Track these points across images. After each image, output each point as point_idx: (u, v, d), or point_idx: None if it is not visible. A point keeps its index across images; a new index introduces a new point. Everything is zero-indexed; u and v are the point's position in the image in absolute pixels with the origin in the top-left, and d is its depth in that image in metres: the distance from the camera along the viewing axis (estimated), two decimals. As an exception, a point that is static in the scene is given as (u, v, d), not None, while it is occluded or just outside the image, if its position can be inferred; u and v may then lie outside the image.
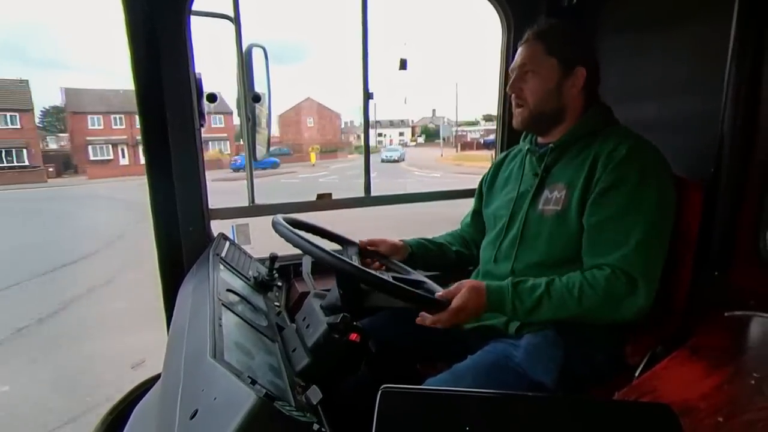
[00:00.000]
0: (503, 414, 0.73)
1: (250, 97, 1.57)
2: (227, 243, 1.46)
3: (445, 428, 0.69)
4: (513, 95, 1.18)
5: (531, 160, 1.22)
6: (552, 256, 1.12)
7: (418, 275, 1.25)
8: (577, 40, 1.15)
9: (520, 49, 1.17)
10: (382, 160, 31.84)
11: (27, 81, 30.60)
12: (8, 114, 28.94)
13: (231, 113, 36.64)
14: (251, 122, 1.60)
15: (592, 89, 1.16)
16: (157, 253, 1.47)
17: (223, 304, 0.99)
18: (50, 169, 29.71)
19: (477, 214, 1.45)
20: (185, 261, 1.47)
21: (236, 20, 1.49)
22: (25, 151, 29.79)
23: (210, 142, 35.52)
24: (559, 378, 1.05)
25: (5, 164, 28.58)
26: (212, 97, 1.49)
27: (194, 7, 1.39)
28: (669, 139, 1.23)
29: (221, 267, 1.25)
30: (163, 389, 0.86)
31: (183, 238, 1.47)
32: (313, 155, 32.45)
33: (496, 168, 1.40)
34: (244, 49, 1.53)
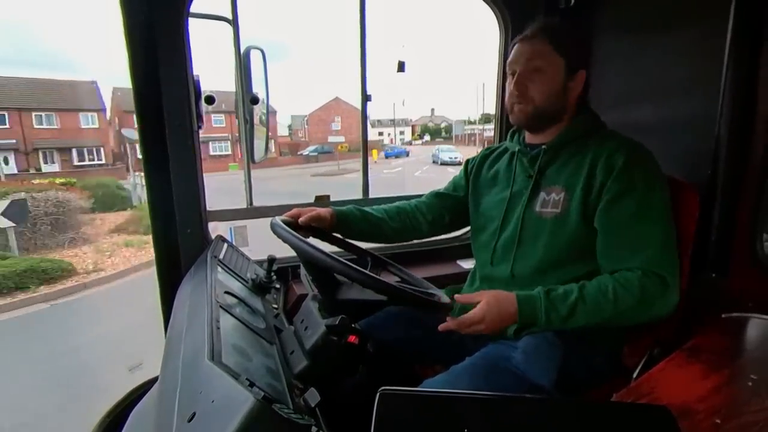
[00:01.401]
0: (501, 416, 0.73)
1: (249, 99, 1.57)
2: (225, 245, 1.46)
3: (443, 430, 0.69)
4: (516, 92, 1.13)
5: (522, 161, 1.21)
6: (551, 258, 1.12)
7: (418, 278, 1.26)
8: (583, 43, 1.16)
9: (521, 45, 1.13)
10: (443, 162, 29.90)
11: (96, 82, 30.40)
12: (89, 114, 28.64)
13: (275, 112, 37.12)
14: (249, 124, 1.60)
15: (586, 92, 1.17)
16: (155, 255, 1.47)
17: (221, 307, 0.99)
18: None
19: (450, 196, 1.41)
20: (183, 263, 1.46)
21: (234, 22, 1.49)
22: (102, 149, 29.62)
23: (257, 141, 35.51)
24: (558, 380, 1.05)
25: (87, 162, 28.21)
26: (210, 99, 1.48)
27: (192, 9, 1.39)
28: (666, 142, 1.23)
29: (219, 269, 1.25)
30: (160, 392, 0.86)
31: (181, 239, 1.47)
32: (375, 152, 32.84)
33: (483, 159, 1.37)
34: (242, 51, 1.53)
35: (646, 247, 1.02)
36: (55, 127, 26.98)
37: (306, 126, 49.41)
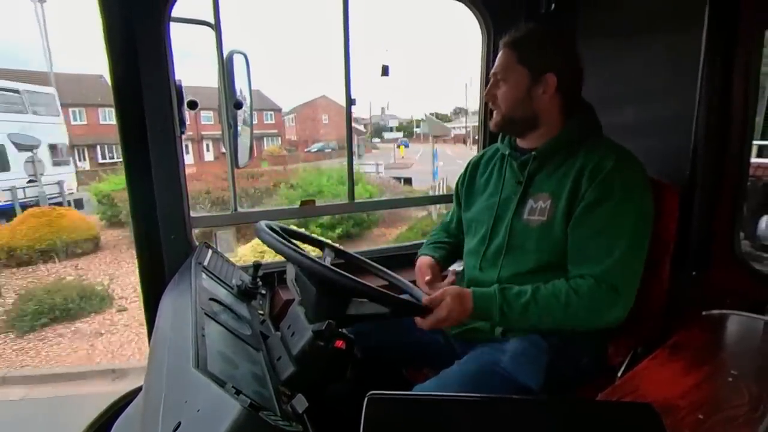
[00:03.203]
0: (489, 417, 0.74)
1: (232, 104, 1.55)
2: (210, 251, 1.44)
3: None
4: (488, 100, 1.20)
5: (512, 166, 1.22)
6: (538, 265, 1.13)
7: (403, 281, 1.26)
8: (549, 47, 1.14)
9: (498, 55, 1.18)
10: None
11: (103, 76, 29.14)
12: (107, 109, 26.64)
13: (281, 110, 38.27)
14: (233, 129, 1.58)
15: (570, 95, 1.15)
16: (137, 262, 1.44)
17: (205, 314, 0.98)
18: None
19: (460, 220, 1.44)
20: (167, 270, 1.44)
21: (217, 27, 1.48)
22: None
23: (264, 138, 35.09)
24: (545, 381, 1.06)
25: (108, 160, 26.36)
26: (193, 104, 1.46)
27: (174, 14, 1.37)
28: (645, 143, 1.26)
29: (204, 275, 1.23)
30: (145, 401, 0.84)
31: (164, 246, 1.45)
32: (402, 148, 33.16)
33: (473, 169, 1.38)
34: (225, 55, 1.52)
35: (606, 258, 1.03)
36: (84, 123, 25.91)
37: (292, 123, 48.63)
